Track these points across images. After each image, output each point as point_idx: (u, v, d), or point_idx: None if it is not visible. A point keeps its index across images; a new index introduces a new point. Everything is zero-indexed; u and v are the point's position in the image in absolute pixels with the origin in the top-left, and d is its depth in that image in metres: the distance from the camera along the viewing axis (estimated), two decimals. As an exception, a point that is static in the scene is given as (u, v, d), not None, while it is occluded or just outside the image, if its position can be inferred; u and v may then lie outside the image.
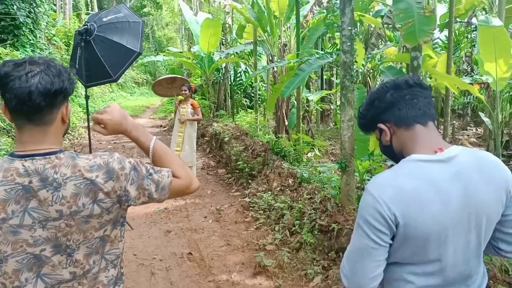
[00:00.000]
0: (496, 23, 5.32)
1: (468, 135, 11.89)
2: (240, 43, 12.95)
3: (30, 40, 11.58)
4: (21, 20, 11.11)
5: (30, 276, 1.27)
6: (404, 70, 7.61)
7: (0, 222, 1.22)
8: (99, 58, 4.86)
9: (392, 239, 1.26)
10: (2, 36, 11.03)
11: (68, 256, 1.29)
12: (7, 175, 1.23)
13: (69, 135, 11.55)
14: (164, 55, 15.75)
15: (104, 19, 4.90)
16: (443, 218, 1.22)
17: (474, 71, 9.36)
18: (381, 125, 1.40)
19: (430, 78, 8.64)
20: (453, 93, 8.12)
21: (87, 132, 5.14)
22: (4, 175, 1.23)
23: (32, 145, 1.27)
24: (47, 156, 1.26)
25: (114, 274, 1.40)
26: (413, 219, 1.20)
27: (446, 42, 7.72)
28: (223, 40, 13.10)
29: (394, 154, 1.41)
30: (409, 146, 1.35)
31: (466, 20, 8.88)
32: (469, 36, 9.57)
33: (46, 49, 12.63)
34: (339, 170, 4.41)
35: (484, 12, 8.79)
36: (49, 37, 14.27)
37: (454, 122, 12.50)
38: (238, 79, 13.89)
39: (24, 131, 1.27)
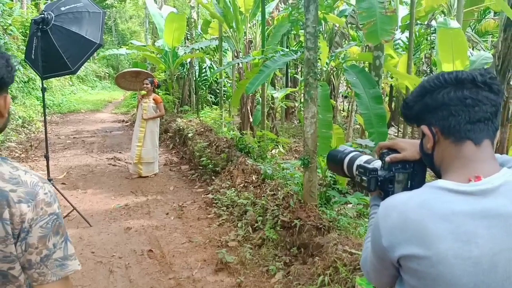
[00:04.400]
0: (454, 25, 5.50)
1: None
2: (205, 39, 12.80)
3: (-16, 29, 11.03)
4: (-26, 7, 10.56)
5: None
6: (366, 69, 7.75)
7: None
8: (56, 48, 4.68)
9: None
10: (-47, 24, 10.45)
11: None
12: None
13: (25, 128, 11.09)
14: (127, 49, 15.39)
15: (62, 8, 4.72)
16: (459, 261, 0.97)
17: (433, 72, 9.66)
18: (425, 129, 1.10)
19: (392, 77, 8.86)
20: (413, 93, 8.35)
21: (44, 126, 4.95)
22: None
23: None
24: None
25: None
26: (416, 255, 1.00)
27: (407, 43, 7.91)
28: (188, 35, 12.92)
29: (434, 167, 1.14)
30: (447, 165, 1.08)
31: (426, 23, 9.14)
32: (428, 38, 9.85)
33: (1, 39, 12.06)
34: (302, 166, 4.44)
35: (443, 15, 9.08)
36: (4, 27, 13.62)
37: (414, 121, 12.85)
38: (203, 74, 13.75)
39: None
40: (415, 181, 1.25)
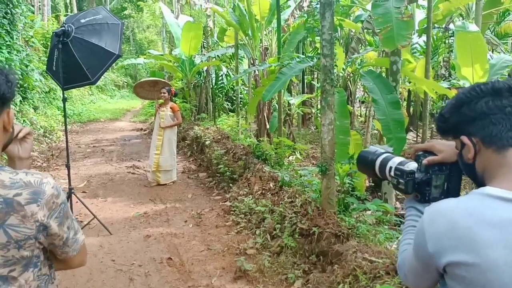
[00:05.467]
0: (472, 28, 5.42)
1: (446, 139, 12.06)
2: (221, 46, 12.91)
3: (7, 41, 11.28)
4: (-3, 21, 10.85)
5: None
6: (383, 74, 7.70)
7: None
8: (77, 60, 4.78)
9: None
10: (-23, 37, 10.75)
11: None
12: None
13: (47, 138, 11.32)
14: (145, 58, 15.63)
15: (82, 21, 4.82)
16: (508, 269, 0.97)
17: (452, 76, 9.53)
18: (465, 139, 1.11)
19: (409, 82, 8.77)
20: (432, 97, 8.25)
21: (64, 135, 5.07)
22: None
23: None
24: None
25: None
26: (464, 262, 1.00)
27: (425, 47, 7.83)
28: (204, 43, 13.04)
29: (476, 176, 1.14)
30: (491, 173, 1.08)
31: (444, 26, 9.03)
32: (446, 41, 9.73)
33: (23, 50, 12.34)
34: (320, 173, 4.42)
35: (461, 18, 8.96)
36: (26, 39, 13.96)
37: (433, 126, 12.71)
38: (219, 82, 13.84)
39: None
40: (452, 183, 1.26)
